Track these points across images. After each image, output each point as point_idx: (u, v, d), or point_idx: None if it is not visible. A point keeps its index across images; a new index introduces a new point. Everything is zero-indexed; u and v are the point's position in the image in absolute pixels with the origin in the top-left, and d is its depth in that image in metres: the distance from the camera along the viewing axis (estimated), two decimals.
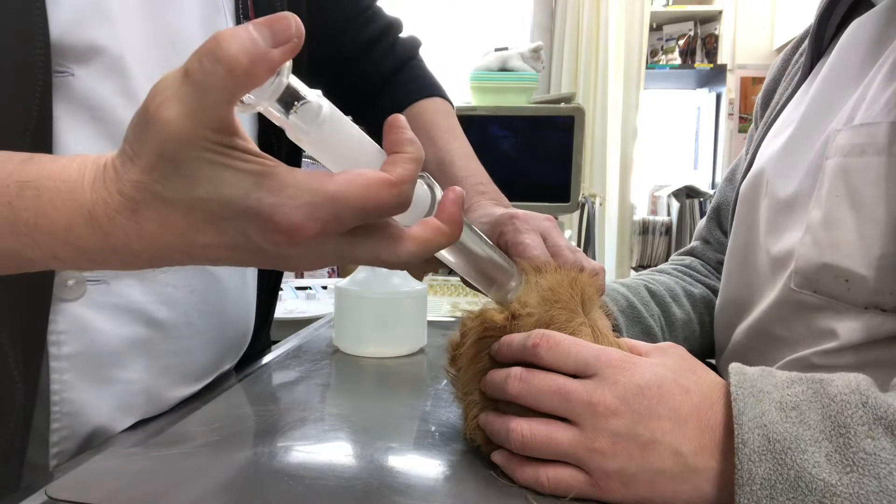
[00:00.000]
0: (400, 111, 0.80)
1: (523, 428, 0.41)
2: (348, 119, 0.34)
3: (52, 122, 0.47)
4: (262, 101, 0.31)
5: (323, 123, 0.32)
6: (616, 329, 0.47)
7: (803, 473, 0.34)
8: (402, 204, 0.33)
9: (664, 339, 0.73)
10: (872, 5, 0.60)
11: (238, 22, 0.61)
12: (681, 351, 0.45)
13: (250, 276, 0.68)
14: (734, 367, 0.40)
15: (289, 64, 0.31)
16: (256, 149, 0.32)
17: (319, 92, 0.33)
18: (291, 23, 0.29)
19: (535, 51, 1.71)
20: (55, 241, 0.32)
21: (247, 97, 0.31)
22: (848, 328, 0.50)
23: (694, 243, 0.88)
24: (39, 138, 0.46)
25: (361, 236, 0.34)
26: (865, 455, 0.33)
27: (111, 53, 0.49)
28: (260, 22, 0.29)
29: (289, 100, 0.32)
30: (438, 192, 0.38)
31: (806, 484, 0.33)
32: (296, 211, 0.30)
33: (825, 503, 0.33)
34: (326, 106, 0.33)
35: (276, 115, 0.32)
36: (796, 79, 0.68)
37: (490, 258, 0.45)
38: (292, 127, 0.32)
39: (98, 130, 0.50)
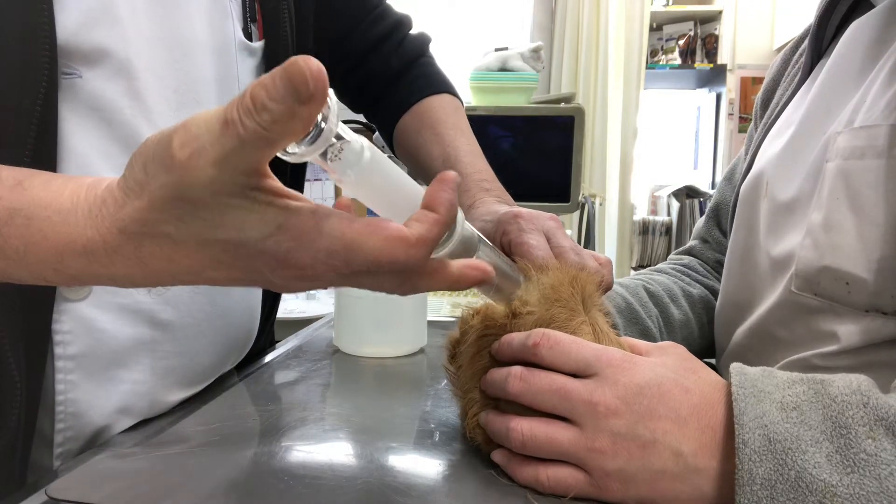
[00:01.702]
0: (408, 108, 0.81)
1: (523, 427, 0.41)
2: (388, 158, 0.34)
3: (59, 122, 0.47)
4: (307, 153, 0.31)
5: (364, 166, 0.32)
6: (614, 329, 0.47)
7: (804, 474, 0.34)
8: (415, 266, 0.32)
9: (662, 340, 0.73)
10: (872, 6, 0.60)
11: (245, 25, 0.61)
12: (681, 350, 0.45)
13: None
14: (735, 368, 0.40)
15: (335, 110, 0.30)
16: (281, 186, 0.32)
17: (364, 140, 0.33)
18: (310, 77, 0.26)
19: (535, 51, 1.71)
20: (45, 268, 0.32)
21: (291, 148, 0.30)
22: (848, 331, 0.50)
23: (692, 243, 0.88)
24: (42, 139, 0.46)
25: (367, 273, 0.33)
26: (866, 456, 0.33)
27: (118, 56, 0.49)
28: (280, 74, 0.27)
29: (331, 145, 0.31)
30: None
31: (806, 484, 0.33)
32: (311, 254, 0.30)
33: (825, 503, 0.33)
34: (368, 148, 0.32)
35: (318, 160, 0.32)
36: (796, 80, 0.68)
37: (498, 268, 0.45)
38: (334, 171, 0.32)
39: (104, 132, 0.50)
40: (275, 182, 0.31)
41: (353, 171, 0.32)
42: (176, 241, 0.30)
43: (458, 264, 0.35)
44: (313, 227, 0.31)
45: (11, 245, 0.32)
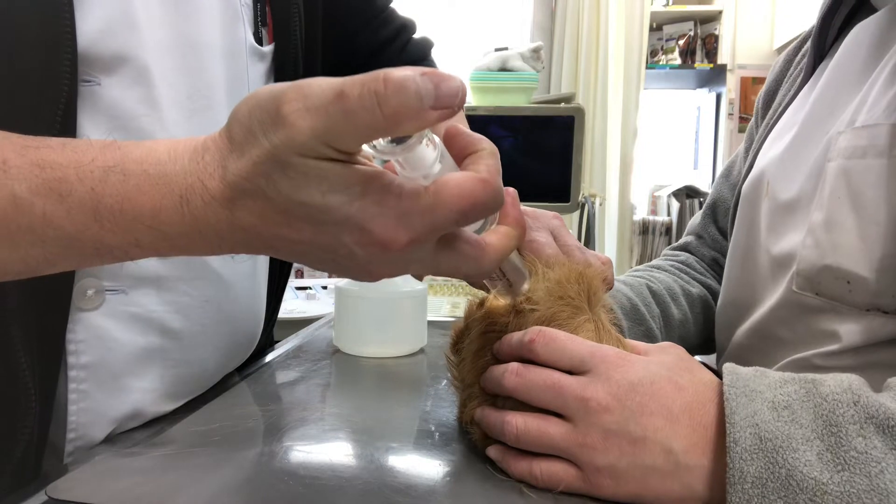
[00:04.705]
0: None
1: (518, 421, 0.41)
2: (446, 152, 0.34)
3: (77, 131, 0.46)
4: (396, 153, 0.31)
5: (437, 170, 0.33)
6: (618, 330, 0.48)
7: (794, 472, 0.34)
8: (498, 200, 0.33)
9: (662, 339, 0.73)
10: (875, 9, 0.60)
11: (256, 29, 0.61)
12: (680, 351, 0.45)
13: (261, 281, 0.69)
14: (727, 367, 0.40)
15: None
16: (362, 154, 0.32)
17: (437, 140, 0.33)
18: (459, 90, 0.29)
19: (535, 51, 1.71)
20: (139, 227, 0.32)
21: (380, 144, 0.31)
22: (849, 330, 0.50)
23: (688, 238, 0.88)
24: None
25: (446, 250, 0.34)
26: (857, 454, 0.33)
27: (137, 62, 0.49)
28: (429, 76, 0.28)
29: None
30: None
31: (797, 482, 0.34)
32: (393, 221, 0.31)
33: (816, 501, 0.33)
34: (441, 156, 0.33)
35: (397, 165, 0.32)
36: (798, 80, 0.68)
37: (510, 262, 0.45)
38: (405, 167, 0.33)
39: (121, 140, 0.49)
40: (359, 151, 0.31)
41: (424, 174, 0.32)
42: (268, 197, 0.30)
43: (505, 227, 0.37)
44: (396, 192, 0.31)
45: (106, 204, 0.32)
